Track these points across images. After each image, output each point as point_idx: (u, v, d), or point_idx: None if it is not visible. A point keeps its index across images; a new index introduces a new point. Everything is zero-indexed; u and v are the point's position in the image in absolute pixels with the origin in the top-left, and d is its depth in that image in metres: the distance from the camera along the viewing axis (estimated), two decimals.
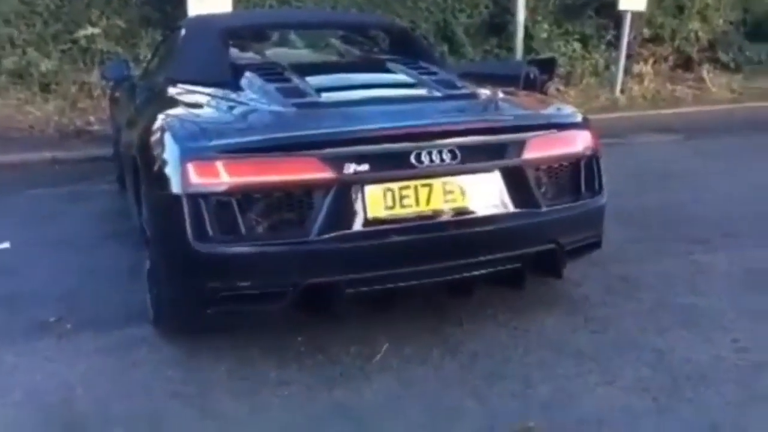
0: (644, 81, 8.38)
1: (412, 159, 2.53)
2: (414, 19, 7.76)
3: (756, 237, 3.98)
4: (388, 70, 3.40)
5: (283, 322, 2.86)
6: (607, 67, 8.42)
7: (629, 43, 8.27)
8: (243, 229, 2.44)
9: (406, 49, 3.82)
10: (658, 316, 3.05)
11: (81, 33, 6.70)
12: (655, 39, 8.71)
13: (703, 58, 8.96)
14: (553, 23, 8.28)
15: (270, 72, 3.16)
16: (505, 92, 3.24)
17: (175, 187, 2.48)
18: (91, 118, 6.56)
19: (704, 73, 8.73)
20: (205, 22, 3.87)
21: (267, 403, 2.42)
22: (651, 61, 8.64)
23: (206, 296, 2.50)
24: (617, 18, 7.97)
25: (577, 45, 8.43)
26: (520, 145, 2.72)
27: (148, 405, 2.41)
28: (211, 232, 2.43)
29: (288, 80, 3.04)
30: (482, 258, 2.69)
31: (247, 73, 3.15)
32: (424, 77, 3.20)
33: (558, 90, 8.26)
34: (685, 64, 8.98)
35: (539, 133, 2.80)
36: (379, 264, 2.54)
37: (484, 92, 3.14)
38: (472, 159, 2.63)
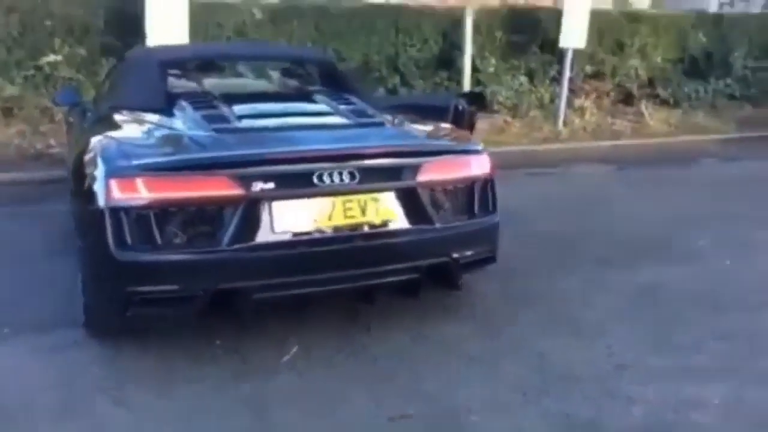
0: (585, 114, 8.83)
1: (315, 179, 2.86)
2: (367, 52, 8.15)
3: (654, 257, 4.35)
4: (310, 100, 3.75)
5: (205, 327, 3.14)
6: (551, 101, 8.86)
7: (572, 78, 8.72)
8: (159, 239, 2.74)
9: (334, 81, 4.17)
10: (547, 326, 3.38)
11: (44, 60, 6.97)
12: (597, 75, 9.19)
13: (643, 93, 9.44)
14: (499, 58, 8.72)
15: (200, 101, 3.49)
16: (413, 122, 3.60)
17: (100, 201, 2.78)
18: (52, 141, 6.80)
19: (643, 108, 9.21)
20: (147, 53, 4.19)
21: (178, 395, 2.70)
22: (593, 95, 9.09)
23: (125, 299, 2.79)
24: (561, 54, 8.43)
25: (523, 79, 8.87)
26: (415, 169, 3.06)
27: (69, 397, 2.68)
28: (130, 242, 2.73)
29: (215, 108, 3.37)
30: (379, 269, 3.02)
31: (180, 101, 3.47)
32: (342, 107, 3.55)
33: (505, 121, 8.69)
34: (626, 99, 9.45)
35: (433, 158, 3.15)
36: (283, 272, 2.86)
37: (393, 121, 3.49)
38: (369, 180, 2.96)
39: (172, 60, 4.07)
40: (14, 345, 3.08)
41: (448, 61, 8.55)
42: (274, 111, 3.49)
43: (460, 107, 4.60)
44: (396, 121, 3.56)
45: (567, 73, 8.39)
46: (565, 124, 8.59)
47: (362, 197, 2.96)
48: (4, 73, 6.90)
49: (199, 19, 7.08)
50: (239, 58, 4.56)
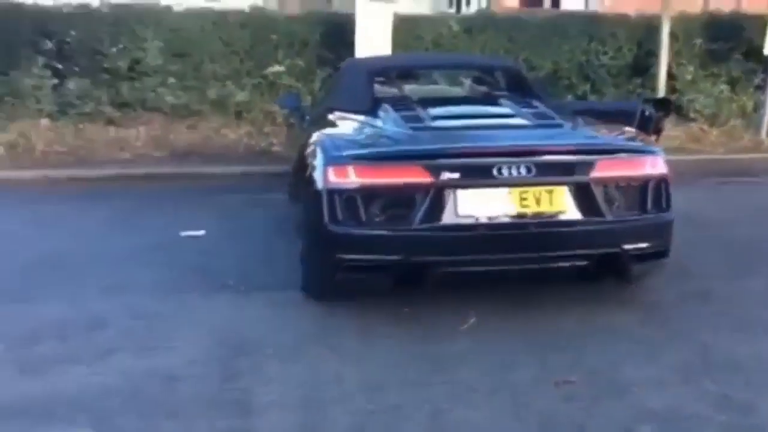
0: None
1: (495, 171, 3.28)
2: (557, 59, 8.38)
3: None
4: (495, 104, 4.18)
5: (397, 296, 3.67)
6: (755, 110, 8.48)
7: None
8: (363, 217, 3.31)
9: (520, 87, 4.56)
10: (718, 321, 3.52)
11: (269, 70, 8.04)
12: None
13: None
14: (698, 66, 8.52)
15: (401, 104, 4.07)
16: (592, 125, 3.88)
17: (319, 185, 3.42)
18: (274, 141, 7.82)
19: None
20: (358, 64, 4.86)
21: (375, 348, 3.25)
22: None
23: (335, 265, 3.40)
24: (766, 62, 8.06)
25: (724, 87, 8.58)
26: (589, 166, 3.37)
27: (291, 339, 3.33)
28: (341, 218, 3.33)
29: (413, 110, 3.92)
30: (549, 253, 3.38)
31: (384, 104, 4.06)
32: (524, 110, 3.94)
33: (701, 129, 8.47)
34: None
35: (607, 156, 3.44)
36: (464, 250, 3.32)
37: (571, 123, 3.82)
38: (544, 174, 3.33)
39: (378, 69, 4.70)
40: (248, 299, 3.81)
41: (642, 68, 8.52)
42: (463, 113, 3.96)
43: (647, 112, 4.77)
44: (575, 122, 3.87)
45: None
46: None
47: (537, 189, 3.33)
48: (236, 80, 8.05)
49: (401, 31, 7.79)
50: (435, 67, 5.09)
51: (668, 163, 3.63)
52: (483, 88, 4.87)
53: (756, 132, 8.24)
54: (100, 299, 3.80)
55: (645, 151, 3.58)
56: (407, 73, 5.02)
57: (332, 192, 3.35)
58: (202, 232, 5.02)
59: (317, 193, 3.42)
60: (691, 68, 8.53)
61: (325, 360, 3.14)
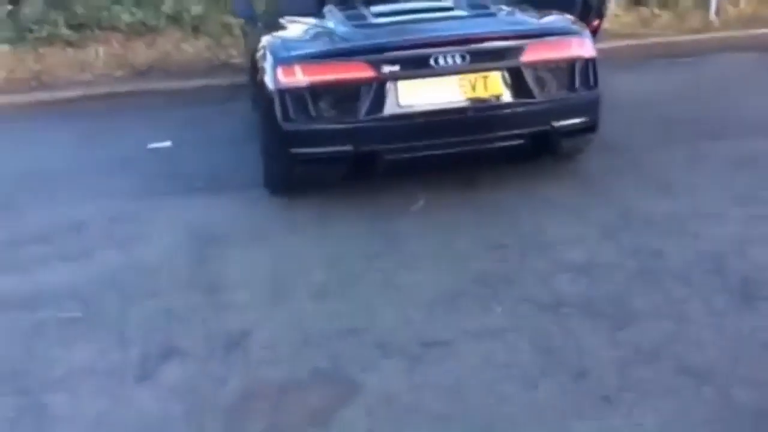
0: (740, 3, 8.53)
1: (432, 62, 3.53)
2: None
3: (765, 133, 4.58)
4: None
5: (351, 187, 3.98)
6: None
7: None
8: (313, 113, 3.57)
9: None
10: (642, 187, 3.88)
11: None
12: None
13: None
14: None
15: (346, 4, 4.25)
16: (527, 12, 4.11)
17: (271, 85, 3.65)
18: (233, 53, 7.92)
19: None
20: None
21: (332, 227, 3.60)
22: None
23: (290, 159, 3.68)
24: None
25: None
26: (518, 50, 3.63)
27: (255, 229, 3.66)
28: (292, 115, 3.59)
29: (357, 9, 4.11)
30: (487, 135, 3.68)
31: (330, 6, 4.23)
32: (463, 2, 4.14)
33: (653, 13, 8.65)
34: None
35: (535, 40, 3.69)
36: (407, 138, 3.61)
37: (505, 12, 4.04)
38: (479, 61, 3.59)
39: None
40: (216, 198, 4.10)
41: None
42: (404, 9, 4.15)
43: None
44: (510, 11, 4.09)
45: None
46: (717, 14, 8.39)
47: (473, 76, 3.59)
48: None
49: None
50: None
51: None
52: None
53: (705, 13, 8.45)
54: (77, 206, 4.08)
55: (571, 32, 3.83)
56: None
57: (282, 91, 3.59)
58: (168, 143, 5.25)
59: (269, 94, 3.66)
60: None
61: (286, 243, 3.48)
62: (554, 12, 4.16)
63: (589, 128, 3.90)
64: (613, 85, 5.83)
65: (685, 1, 8.75)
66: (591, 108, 3.86)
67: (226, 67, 7.74)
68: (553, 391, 2.26)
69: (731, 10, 8.53)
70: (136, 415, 2.31)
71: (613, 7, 8.47)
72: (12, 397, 2.45)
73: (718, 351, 2.39)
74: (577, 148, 4.06)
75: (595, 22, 5.13)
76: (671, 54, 7.29)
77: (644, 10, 8.68)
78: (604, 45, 7.47)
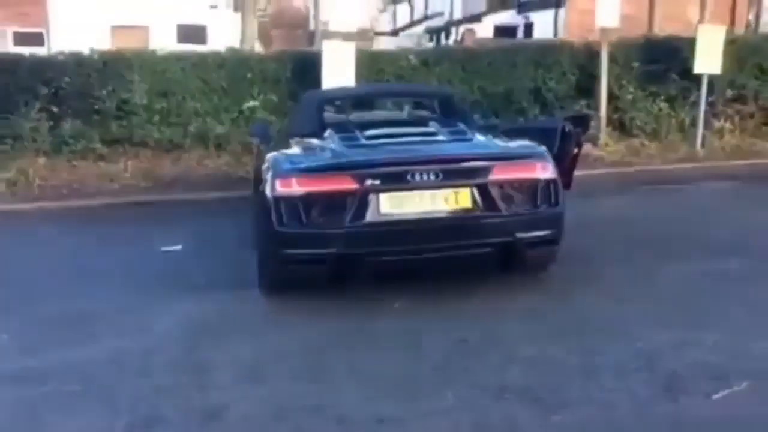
0: (725, 136, 9.14)
1: (409, 177, 4.03)
2: (510, 86, 9.20)
3: (721, 254, 4.96)
4: (424, 124, 4.96)
5: (335, 290, 4.38)
6: (692, 125, 9.27)
7: (712, 103, 9.15)
8: (304, 218, 4.05)
9: (450, 110, 5.36)
10: (597, 295, 4.24)
11: (245, 105, 8.87)
12: (739, 98, 9.45)
13: None
14: (637, 87, 9.34)
15: (343, 127, 4.85)
16: (497, 138, 4.65)
17: (269, 194, 4.16)
18: (249, 169, 8.60)
19: None
20: (312, 95, 5.66)
21: (315, 322, 3.97)
22: (737, 118, 9.37)
23: (282, 259, 4.13)
24: (698, 81, 8.88)
25: (663, 105, 9.39)
26: (486, 170, 4.12)
27: (245, 321, 4.06)
28: (285, 220, 4.06)
29: (351, 131, 4.69)
30: (458, 242, 4.11)
31: (329, 128, 4.83)
32: (445, 129, 4.71)
33: (642, 144, 9.27)
34: None
35: (502, 162, 4.19)
36: (385, 242, 4.05)
37: (481, 138, 4.59)
38: (450, 178, 4.08)
39: (328, 99, 5.51)
40: (217, 295, 4.52)
41: (586, 90, 9.34)
42: (392, 132, 4.72)
43: (567, 129, 5.52)
44: (485, 138, 4.64)
45: (703, 98, 8.83)
46: (703, 145, 8.98)
47: (445, 191, 4.08)
48: (215, 116, 8.86)
49: (365, 65, 8.62)
50: (377, 96, 5.90)
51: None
52: (419, 112, 5.65)
53: (692, 145, 9.04)
54: (89, 299, 4.53)
55: (534, 156, 4.33)
56: (355, 102, 5.81)
57: (278, 199, 4.10)
58: (179, 247, 5.76)
59: (267, 201, 4.17)
60: (631, 88, 9.35)
61: (271, 335, 3.87)
62: (525, 140, 4.69)
63: (551, 241, 4.31)
64: (593, 208, 6.36)
65: (673, 134, 9.41)
66: (553, 222, 4.28)
67: (242, 181, 8.36)
68: None
69: (716, 142, 9.14)
70: None
71: (603, 137, 9.15)
72: None
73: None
74: (542, 260, 4.45)
75: (574, 151, 5.65)
76: (656, 181, 7.80)
77: (634, 141, 9.33)
78: (592, 171, 8.16)
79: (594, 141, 9.08)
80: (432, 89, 6.80)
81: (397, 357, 3.50)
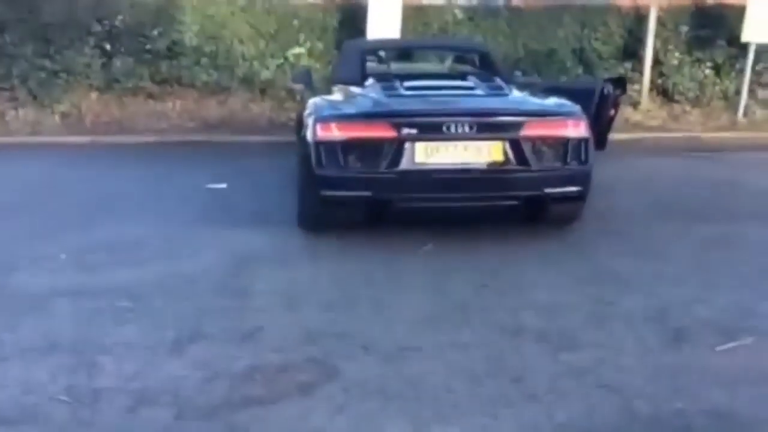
0: None
1: (444, 128, 4.21)
2: (556, 45, 9.18)
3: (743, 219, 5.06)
4: (462, 78, 5.10)
5: (369, 230, 4.64)
6: (736, 93, 9.18)
7: (760, 72, 9.03)
8: (342, 162, 4.27)
9: (487, 64, 5.48)
10: (617, 249, 4.40)
11: (291, 52, 9.05)
12: None
13: None
14: (684, 52, 9.25)
15: (383, 77, 5.02)
16: (534, 94, 4.78)
17: (310, 138, 4.39)
18: (292, 115, 8.83)
19: None
20: (354, 45, 5.83)
21: (350, 259, 4.24)
22: None
23: (321, 199, 4.37)
24: (745, 49, 8.76)
25: (708, 71, 9.30)
26: (520, 126, 4.28)
27: (281, 253, 4.34)
28: (324, 163, 4.29)
29: (391, 81, 4.87)
30: (486, 194, 4.31)
31: (370, 78, 5.01)
32: (482, 84, 4.85)
33: (684, 110, 9.24)
34: None
35: (535, 118, 4.34)
36: (417, 190, 4.28)
37: (518, 93, 4.73)
38: (484, 131, 4.25)
39: (368, 49, 5.66)
40: (258, 230, 4.81)
41: (631, 53, 9.29)
42: (431, 85, 4.90)
43: (606, 90, 5.62)
44: (522, 93, 4.78)
45: (749, 67, 8.73)
46: (745, 115, 8.91)
47: (478, 143, 4.25)
48: (262, 61, 9.06)
49: (410, 18, 8.71)
50: (416, 49, 6.04)
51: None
52: (458, 66, 5.79)
53: (733, 113, 8.97)
54: (140, 226, 4.87)
55: (568, 114, 4.45)
56: (396, 53, 5.97)
57: (319, 143, 4.32)
58: (224, 185, 6.05)
59: (308, 145, 4.40)
60: (677, 53, 9.27)
61: (306, 268, 4.14)
62: (561, 98, 4.81)
63: (578, 197, 4.48)
64: (627, 170, 6.47)
65: (716, 102, 9.34)
66: (580, 180, 4.44)
67: (285, 126, 8.63)
68: (493, 387, 2.80)
69: (758, 113, 9.05)
70: (163, 376, 2.94)
71: (645, 101, 9.13)
72: (70, 355, 3.11)
73: (633, 375, 2.89)
74: (567, 215, 4.63)
75: (611, 113, 5.73)
76: (693, 148, 7.82)
77: (676, 107, 9.29)
78: (632, 135, 8.22)
79: (635, 105, 9.10)
80: (469, 44, 6.90)
81: (421, 295, 3.74)
